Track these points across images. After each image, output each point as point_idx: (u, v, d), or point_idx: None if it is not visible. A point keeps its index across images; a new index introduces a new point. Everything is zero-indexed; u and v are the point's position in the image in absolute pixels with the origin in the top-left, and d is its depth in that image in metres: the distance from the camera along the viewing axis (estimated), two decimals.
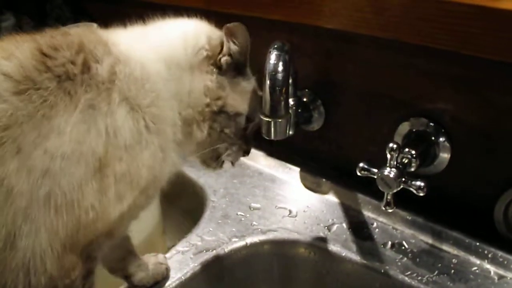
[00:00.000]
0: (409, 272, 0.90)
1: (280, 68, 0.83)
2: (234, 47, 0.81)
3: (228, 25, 0.80)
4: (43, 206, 0.62)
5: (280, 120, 0.85)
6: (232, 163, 0.90)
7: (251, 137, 0.88)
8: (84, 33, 0.74)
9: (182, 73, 0.79)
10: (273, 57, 0.84)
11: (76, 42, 0.70)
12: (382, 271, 0.92)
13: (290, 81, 0.93)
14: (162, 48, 0.79)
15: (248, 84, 0.84)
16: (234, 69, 0.82)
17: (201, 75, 0.80)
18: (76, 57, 0.68)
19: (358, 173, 0.93)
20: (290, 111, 0.90)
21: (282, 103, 0.84)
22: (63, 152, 0.63)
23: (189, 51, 0.80)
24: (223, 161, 0.87)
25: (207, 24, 0.85)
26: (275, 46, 0.85)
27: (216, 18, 0.85)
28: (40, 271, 0.64)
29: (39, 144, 0.62)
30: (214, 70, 0.81)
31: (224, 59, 0.81)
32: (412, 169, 0.92)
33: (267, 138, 0.87)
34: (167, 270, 0.91)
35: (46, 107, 0.63)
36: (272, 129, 0.86)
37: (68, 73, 0.66)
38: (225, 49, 0.81)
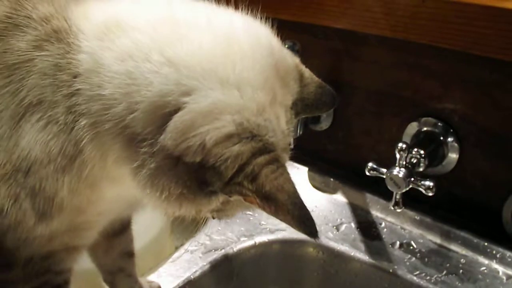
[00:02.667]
0: (417, 272, 0.91)
1: None
2: None
3: None
4: None
5: None
6: None
7: None
8: None
9: None
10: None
11: None
12: (391, 270, 0.92)
13: None
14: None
15: None
16: None
17: None
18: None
19: (367, 173, 0.94)
20: None
21: None
22: None
23: None
24: None
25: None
26: (286, 46, 0.84)
27: None
28: None
29: None
30: None
31: None
32: (421, 169, 0.92)
33: None
34: None
35: None
36: None
37: None
38: None
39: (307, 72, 0.66)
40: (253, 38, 0.58)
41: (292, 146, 0.62)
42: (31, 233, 0.61)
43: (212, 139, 0.51)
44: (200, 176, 0.53)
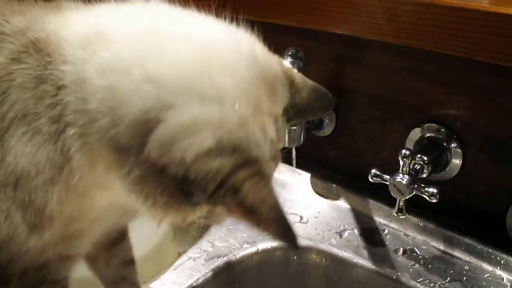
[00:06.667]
0: (421, 279, 0.90)
1: None
2: None
3: None
4: None
5: (294, 128, 0.85)
6: None
7: None
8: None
9: None
10: (287, 64, 0.83)
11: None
12: (394, 277, 0.91)
13: None
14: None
15: None
16: None
17: None
18: None
19: (370, 179, 0.93)
20: None
21: None
22: None
23: None
24: None
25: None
26: (289, 53, 0.84)
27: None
28: None
29: None
30: None
31: None
32: (424, 175, 0.92)
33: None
34: None
35: None
36: (287, 136, 0.85)
37: None
38: None
39: (298, 77, 0.66)
40: (233, 48, 0.58)
41: (283, 150, 0.62)
42: (24, 246, 0.61)
43: (191, 154, 0.51)
44: (184, 187, 0.53)
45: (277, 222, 0.53)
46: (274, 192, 0.54)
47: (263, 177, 0.54)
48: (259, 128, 0.56)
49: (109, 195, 0.63)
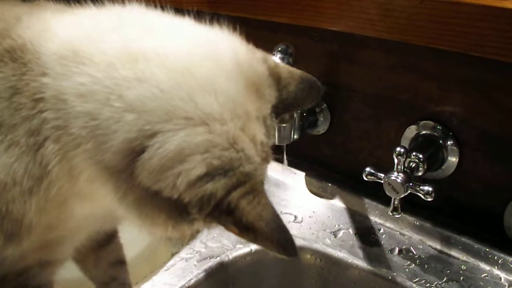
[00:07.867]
0: (417, 279, 0.89)
1: None
2: None
3: None
4: None
5: (284, 125, 0.84)
6: None
7: None
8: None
9: None
10: (277, 60, 0.82)
11: None
12: (390, 277, 0.90)
13: None
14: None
15: None
16: None
17: None
18: None
19: (365, 178, 0.92)
20: (295, 115, 0.88)
21: None
22: None
23: None
24: None
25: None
26: (279, 49, 0.83)
27: (220, 21, 0.83)
28: None
29: None
30: None
31: None
32: (420, 174, 0.90)
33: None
34: None
35: None
36: (276, 134, 0.85)
37: None
38: None
39: (285, 72, 0.65)
40: (214, 63, 0.56)
41: (273, 146, 0.62)
42: (1, 254, 0.60)
43: (183, 182, 0.51)
44: (180, 207, 0.53)
45: (274, 235, 0.53)
46: (270, 204, 0.54)
47: (258, 193, 0.53)
48: (250, 139, 0.55)
49: (90, 204, 0.62)
